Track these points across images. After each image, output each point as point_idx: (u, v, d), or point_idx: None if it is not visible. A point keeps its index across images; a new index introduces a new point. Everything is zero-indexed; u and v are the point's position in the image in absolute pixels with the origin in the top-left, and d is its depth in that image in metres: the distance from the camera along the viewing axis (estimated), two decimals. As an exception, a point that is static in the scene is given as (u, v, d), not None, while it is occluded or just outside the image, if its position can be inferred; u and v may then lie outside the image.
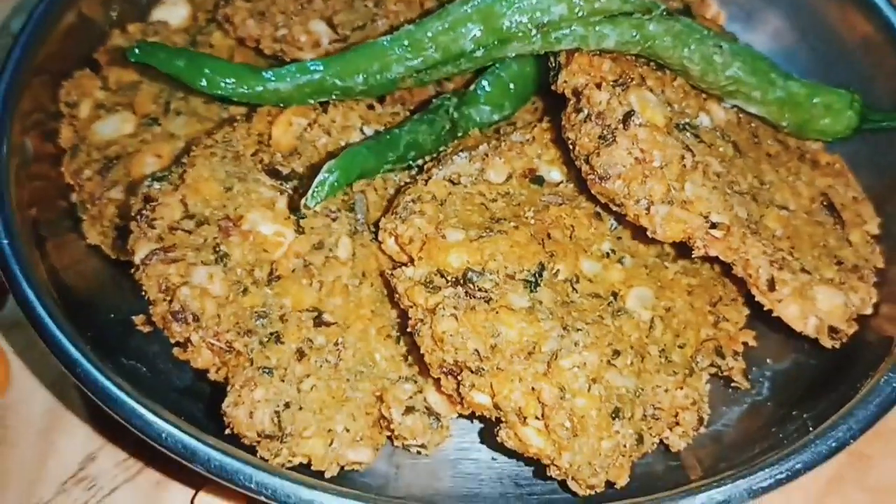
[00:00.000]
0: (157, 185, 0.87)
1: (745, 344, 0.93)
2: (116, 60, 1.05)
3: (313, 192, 0.81)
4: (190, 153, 0.90)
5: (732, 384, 0.91)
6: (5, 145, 0.93)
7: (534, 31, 0.88)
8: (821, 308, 0.88)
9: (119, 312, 0.95)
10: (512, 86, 0.98)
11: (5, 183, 0.91)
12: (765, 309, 0.88)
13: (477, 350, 0.80)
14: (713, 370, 0.90)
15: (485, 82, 0.98)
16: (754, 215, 0.89)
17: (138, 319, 0.87)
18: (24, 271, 0.85)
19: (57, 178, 0.99)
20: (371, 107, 0.97)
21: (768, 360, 0.97)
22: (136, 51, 0.87)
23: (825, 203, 0.98)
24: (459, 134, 0.97)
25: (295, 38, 1.00)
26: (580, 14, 0.87)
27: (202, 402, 0.90)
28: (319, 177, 0.81)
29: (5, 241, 0.86)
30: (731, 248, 0.85)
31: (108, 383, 0.78)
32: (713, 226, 0.84)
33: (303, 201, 0.81)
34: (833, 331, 0.89)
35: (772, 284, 0.86)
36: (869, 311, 0.93)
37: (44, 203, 0.96)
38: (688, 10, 1.04)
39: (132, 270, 0.84)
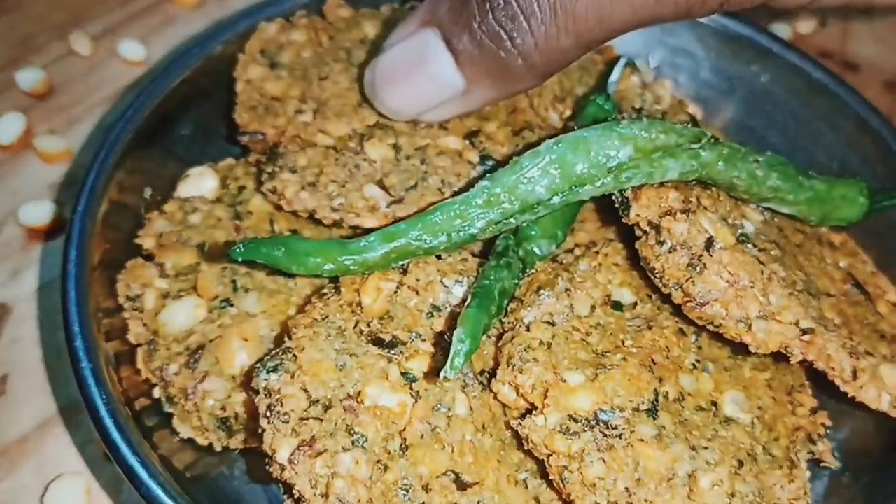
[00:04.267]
0: (274, 377, 0.83)
1: (822, 425, 0.97)
2: (167, 245, 0.99)
3: (452, 364, 0.79)
4: (291, 336, 0.86)
5: (822, 464, 0.95)
6: (93, 347, 0.87)
7: (607, 175, 0.89)
8: (888, 384, 0.93)
9: (230, 500, 0.91)
10: (559, 214, 1.00)
11: (103, 384, 0.85)
12: (849, 396, 0.92)
13: (626, 487, 0.81)
14: (809, 456, 0.93)
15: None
16: (817, 310, 0.93)
17: (285, 514, 0.82)
18: (153, 478, 0.80)
19: (131, 376, 0.93)
20: (439, 257, 0.96)
21: (828, 433, 1.01)
22: (241, 250, 0.84)
23: (853, 282, 1.04)
24: (528, 271, 0.97)
25: (353, 205, 0.97)
26: (644, 153, 0.90)
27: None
28: (454, 348, 0.80)
29: (129, 453, 0.81)
30: (819, 349, 0.89)
31: None
32: (804, 332, 0.88)
33: (442, 374, 0.79)
34: None
35: (854, 374, 0.90)
36: (912, 373, 0.99)
37: (131, 402, 0.90)
38: (695, 121, 1.09)
39: (272, 469, 0.80)
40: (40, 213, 1.15)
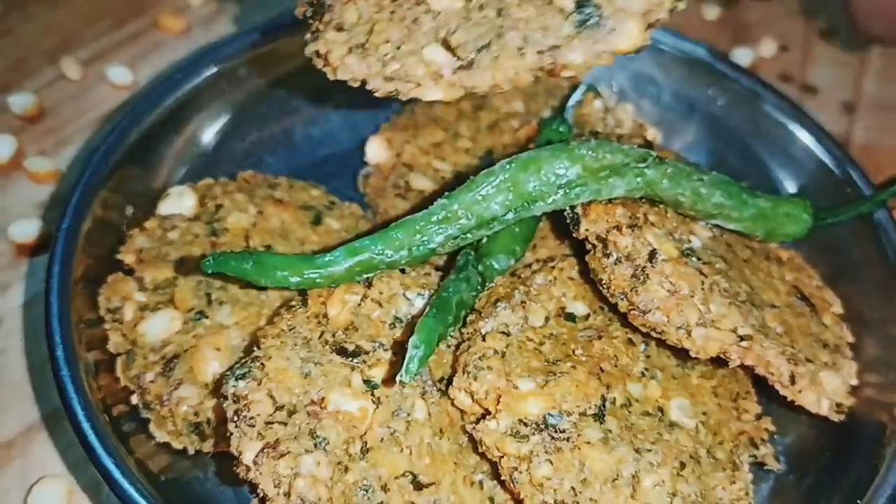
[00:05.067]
0: (241, 384, 0.87)
1: (765, 430, 1.01)
2: (146, 261, 1.04)
3: (406, 368, 0.83)
4: (259, 346, 0.91)
5: (765, 468, 0.99)
6: (73, 356, 0.92)
7: (557, 192, 0.94)
8: (828, 390, 0.98)
9: (202, 502, 0.95)
10: (517, 230, 1.04)
11: (82, 391, 0.90)
12: (788, 399, 0.96)
13: (572, 487, 0.85)
14: (751, 459, 0.98)
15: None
16: (759, 319, 0.98)
17: (250, 514, 0.87)
18: (132, 483, 0.85)
19: (111, 384, 0.98)
20: (403, 271, 1.00)
21: (775, 437, 1.05)
22: (210, 262, 0.88)
23: (798, 295, 1.09)
24: (488, 284, 1.02)
25: (410, 73, 0.80)
26: (592, 171, 0.94)
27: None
28: (409, 353, 0.84)
29: (105, 456, 0.85)
30: (757, 354, 0.93)
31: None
32: (741, 338, 0.92)
33: (398, 378, 0.83)
34: (839, 406, 0.99)
35: (793, 379, 0.95)
36: (855, 381, 1.03)
37: (110, 408, 0.95)
38: (650, 144, 1.14)
39: (238, 470, 0.84)
40: (28, 230, 1.20)
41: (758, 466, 1.00)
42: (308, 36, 0.82)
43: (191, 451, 0.96)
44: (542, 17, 0.80)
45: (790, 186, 1.24)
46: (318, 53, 0.81)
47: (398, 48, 0.80)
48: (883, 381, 1.03)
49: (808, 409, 0.97)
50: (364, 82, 0.82)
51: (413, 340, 0.85)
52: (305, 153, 1.29)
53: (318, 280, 0.94)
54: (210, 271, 0.89)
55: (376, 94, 0.81)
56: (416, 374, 0.84)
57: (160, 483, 0.92)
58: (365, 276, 0.96)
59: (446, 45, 0.80)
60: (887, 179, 1.21)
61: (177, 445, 0.96)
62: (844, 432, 1.02)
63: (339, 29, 0.81)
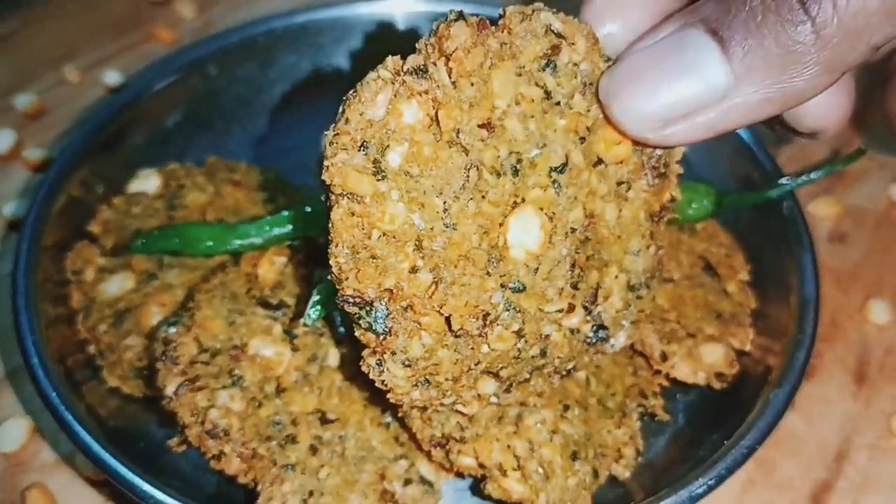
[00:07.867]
0: (172, 330, 0.95)
1: (659, 385, 1.06)
2: (110, 231, 1.13)
3: (308, 313, 0.90)
4: (194, 298, 0.99)
5: (656, 418, 1.04)
6: (33, 313, 1.00)
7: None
8: (706, 362, 1.03)
9: (144, 439, 1.03)
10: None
11: (42, 345, 0.98)
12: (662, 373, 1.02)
13: (458, 423, 0.91)
14: (640, 409, 1.03)
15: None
16: (647, 296, 1.03)
17: (174, 442, 0.94)
18: (76, 418, 0.92)
19: (72, 336, 1.06)
20: (322, 240, 1.06)
21: (678, 395, 1.09)
22: (139, 245, 0.97)
23: (703, 266, 1.13)
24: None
25: (463, 400, 0.86)
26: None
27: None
28: (311, 300, 0.91)
29: (53, 394, 0.93)
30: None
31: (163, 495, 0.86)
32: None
33: (301, 321, 0.90)
34: (719, 376, 1.04)
35: (664, 356, 1.01)
36: (748, 348, 1.07)
37: (68, 357, 1.03)
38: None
39: (163, 402, 0.92)
40: (15, 208, 1.30)
41: (657, 422, 1.04)
42: (370, 357, 0.80)
43: (138, 395, 1.03)
44: (570, 352, 0.87)
45: (706, 173, 1.27)
46: (382, 382, 0.82)
47: (457, 382, 0.83)
48: (772, 344, 1.06)
49: (685, 381, 1.03)
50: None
51: (316, 289, 0.92)
52: (271, 143, 1.37)
53: (239, 248, 1.02)
54: (140, 252, 0.97)
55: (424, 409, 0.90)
56: (316, 319, 0.91)
57: (109, 427, 0.99)
58: (287, 244, 1.04)
59: (495, 375, 0.85)
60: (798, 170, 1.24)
61: (126, 390, 1.04)
62: (737, 389, 1.06)
63: (406, 365, 0.80)
